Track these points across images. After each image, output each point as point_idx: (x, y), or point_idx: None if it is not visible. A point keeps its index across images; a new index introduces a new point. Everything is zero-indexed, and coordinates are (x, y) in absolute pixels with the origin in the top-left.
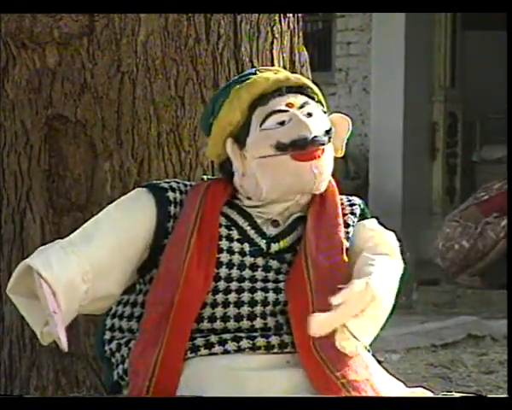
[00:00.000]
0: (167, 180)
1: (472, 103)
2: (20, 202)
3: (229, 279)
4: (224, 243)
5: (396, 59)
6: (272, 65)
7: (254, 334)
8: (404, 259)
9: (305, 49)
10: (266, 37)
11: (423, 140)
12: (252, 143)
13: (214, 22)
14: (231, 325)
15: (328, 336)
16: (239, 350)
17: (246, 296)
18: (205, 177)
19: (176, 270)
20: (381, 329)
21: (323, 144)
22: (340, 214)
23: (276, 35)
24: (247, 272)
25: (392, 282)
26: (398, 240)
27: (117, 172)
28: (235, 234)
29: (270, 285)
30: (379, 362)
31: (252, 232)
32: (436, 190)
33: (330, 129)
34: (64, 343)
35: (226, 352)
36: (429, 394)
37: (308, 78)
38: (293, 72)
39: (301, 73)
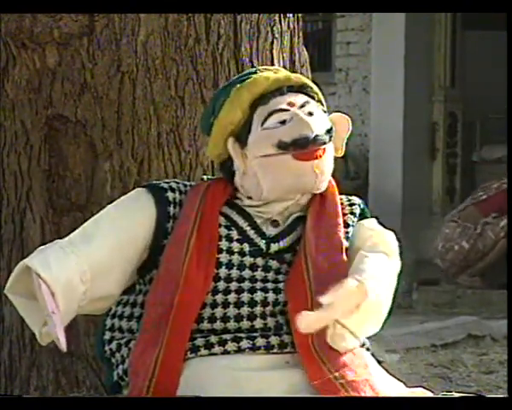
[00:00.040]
0: (167, 180)
1: (472, 103)
2: (20, 202)
3: (228, 280)
4: (224, 244)
5: (396, 59)
6: (272, 65)
7: (254, 334)
8: (403, 259)
9: (305, 49)
10: (266, 37)
11: (423, 140)
12: (253, 142)
13: (214, 22)
14: (231, 325)
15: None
16: (239, 350)
17: (245, 297)
18: (205, 177)
19: (175, 270)
20: (381, 329)
21: (325, 143)
22: (340, 214)
23: (276, 35)
24: (246, 273)
25: (387, 279)
26: (398, 240)
27: (117, 172)
28: (234, 234)
29: (270, 285)
30: (379, 362)
31: (251, 232)
32: (436, 190)
33: (331, 128)
34: (63, 344)
35: (226, 352)
36: (429, 394)
37: (308, 78)
38: (293, 72)
39: (301, 73)
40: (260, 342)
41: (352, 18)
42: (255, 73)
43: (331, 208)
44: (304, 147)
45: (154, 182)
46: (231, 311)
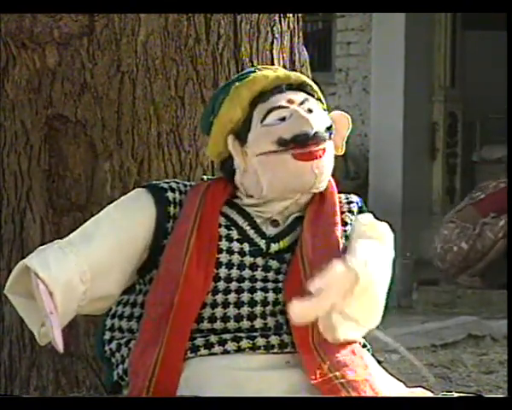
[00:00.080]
0: (167, 180)
1: (472, 103)
2: (20, 202)
3: (228, 279)
4: (224, 243)
5: (396, 59)
6: (272, 65)
7: (254, 334)
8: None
9: (305, 49)
10: (266, 37)
11: (423, 140)
12: (253, 140)
13: (214, 22)
14: (231, 325)
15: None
16: (239, 350)
17: (245, 296)
18: (205, 177)
19: (175, 270)
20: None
21: (324, 140)
22: (338, 213)
23: (276, 35)
24: (246, 272)
25: (380, 262)
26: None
27: (117, 172)
28: (234, 234)
29: (270, 285)
30: (379, 362)
31: (251, 232)
32: (436, 190)
33: (331, 126)
34: (59, 344)
35: (226, 352)
36: (429, 394)
37: (308, 77)
38: (293, 71)
39: (301, 73)
40: (260, 341)
41: (351, 18)
42: (254, 71)
43: (329, 208)
44: (304, 143)
45: (154, 182)
46: (231, 311)
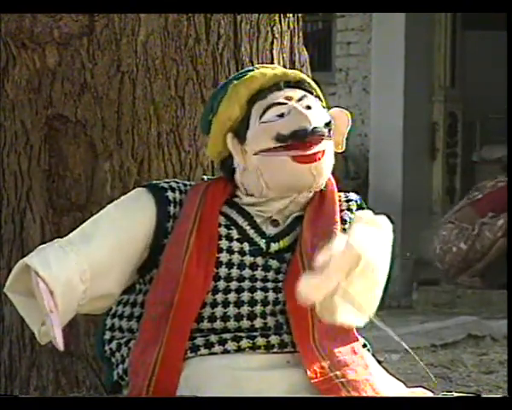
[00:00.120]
0: (167, 180)
1: (472, 103)
2: (20, 202)
3: (228, 279)
4: (224, 243)
5: (396, 59)
6: (272, 65)
7: (254, 333)
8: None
9: (305, 49)
10: (266, 37)
11: (423, 140)
12: (252, 137)
13: (214, 22)
14: (231, 324)
15: (328, 334)
16: (239, 350)
17: (245, 296)
18: (205, 177)
19: (175, 270)
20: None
21: (323, 136)
22: (338, 212)
23: (276, 35)
24: (246, 272)
25: (379, 246)
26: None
27: (117, 172)
28: (234, 233)
29: (270, 285)
30: (379, 362)
31: (251, 232)
32: (436, 190)
33: (330, 122)
34: (60, 343)
35: (226, 351)
36: (429, 394)
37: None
38: None
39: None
40: (260, 341)
41: (352, 18)
42: (252, 70)
43: (329, 207)
44: (302, 139)
45: (154, 182)
46: (231, 310)
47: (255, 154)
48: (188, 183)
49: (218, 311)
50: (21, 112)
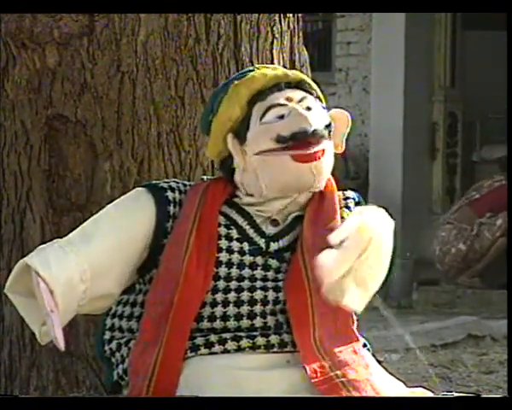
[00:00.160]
0: (166, 180)
1: (472, 103)
2: (20, 202)
3: (228, 278)
4: (224, 243)
5: (396, 59)
6: (272, 65)
7: (254, 333)
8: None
9: (305, 49)
10: (266, 37)
11: (423, 140)
12: (252, 138)
13: (214, 22)
14: (231, 324)
15: (328, 333)
16: (239, 349)
17: (245, 295)
18: (204, 177)
19: (175, 269)
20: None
21: (323, 137)
22: (338, 211)
23: (276, 35)
24: (246, 271)
25: (385, 226)
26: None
27: (117, 172)
28: (234, 233)
29: (270, 284)
30: (379, 362)
31: (251, 231)
32: (436, 190)
33: (330, 123)
34: (61, 343)
35: (226, 351)
36: (429, 394)
37: (308, 77)
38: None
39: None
40: (260, 341)
41: (352, 18)
42: (253, 70)
43: (329, 206)
44: (302, 140)
45: (154, 182)
46: (231, 310)
47: (255, 154)
48: (187, 183)
49: (218, 310)
50: (21, 112)
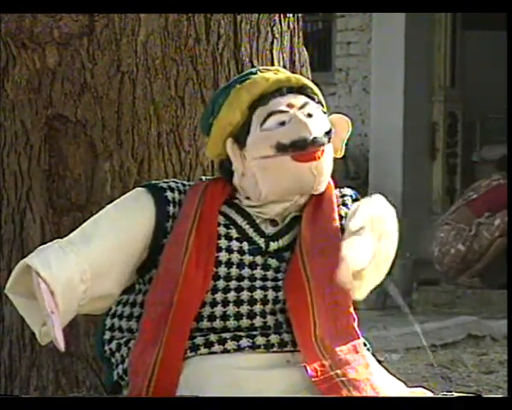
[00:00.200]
0: (166, 180)
1: (472, 103)
2: (20, 202)
3: (228, 278)
4: (223, 242)
5: (396, 59)
6: (272, 65)
7: (254, 333)
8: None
9: (305, 49)
10: (266, 37)
11: (423, 140)
12: (252, 144)
13: (214, 22)
14: (231, 323)
15: (329, 332)
16: (239, 349)
17: (245, 295)
18: (203, 177)
19: (175, 269)
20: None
21: (323, 145)
22: (336, 210)
23: (276, 35)
24: (246, 271)
25: (391, 214)
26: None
27: (117, 172)
28: (233, 233)
29: (270, 284)
30: (379, 362)
31: (250, 231)
32: (436, 190)
33: (330, 130)
34: (61, 343)
35: (226, 351)
36: (429, 394)
37: (308, 78)
38: (293, 72)
39: (301, 73)
40: (260, 340)
41: (352, 18)
42: (255, 73)
43: (327, 206)
44: (302, 149)
45: (154, 182)
46: (231, 309)
47: (254, 159)
48: (187, 183)
49: (218, 310)
50: (21, 112)
